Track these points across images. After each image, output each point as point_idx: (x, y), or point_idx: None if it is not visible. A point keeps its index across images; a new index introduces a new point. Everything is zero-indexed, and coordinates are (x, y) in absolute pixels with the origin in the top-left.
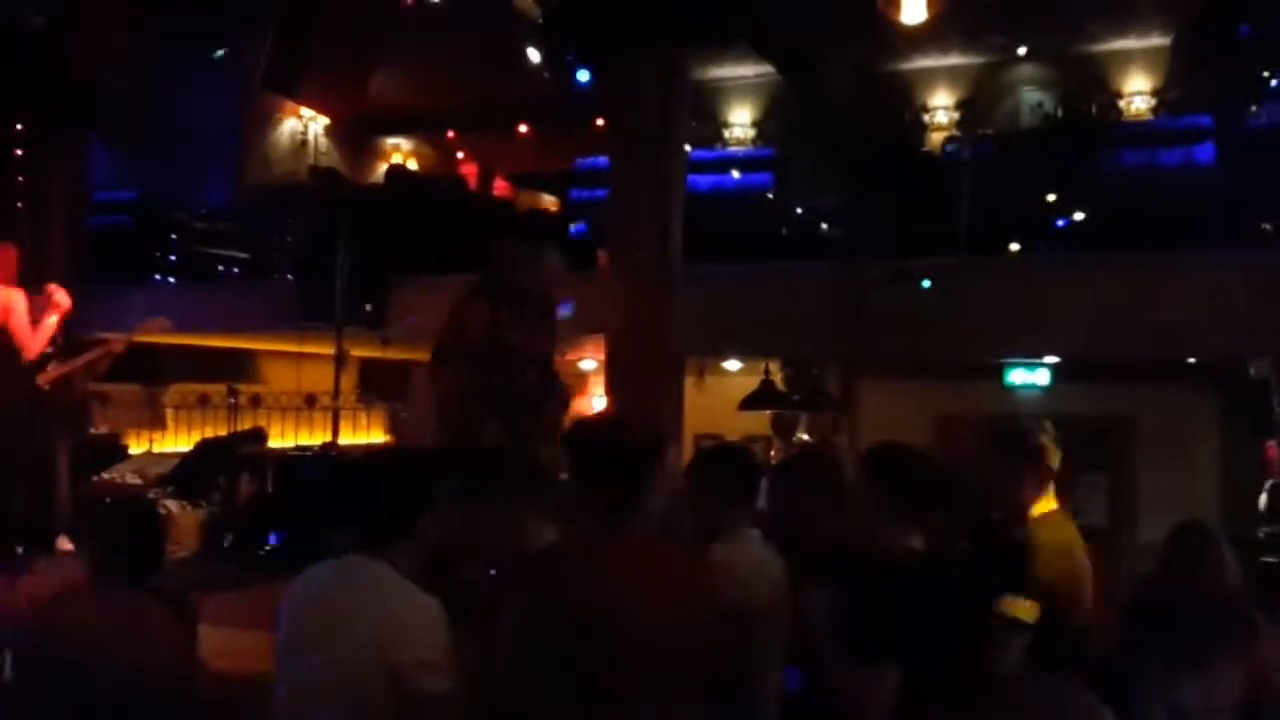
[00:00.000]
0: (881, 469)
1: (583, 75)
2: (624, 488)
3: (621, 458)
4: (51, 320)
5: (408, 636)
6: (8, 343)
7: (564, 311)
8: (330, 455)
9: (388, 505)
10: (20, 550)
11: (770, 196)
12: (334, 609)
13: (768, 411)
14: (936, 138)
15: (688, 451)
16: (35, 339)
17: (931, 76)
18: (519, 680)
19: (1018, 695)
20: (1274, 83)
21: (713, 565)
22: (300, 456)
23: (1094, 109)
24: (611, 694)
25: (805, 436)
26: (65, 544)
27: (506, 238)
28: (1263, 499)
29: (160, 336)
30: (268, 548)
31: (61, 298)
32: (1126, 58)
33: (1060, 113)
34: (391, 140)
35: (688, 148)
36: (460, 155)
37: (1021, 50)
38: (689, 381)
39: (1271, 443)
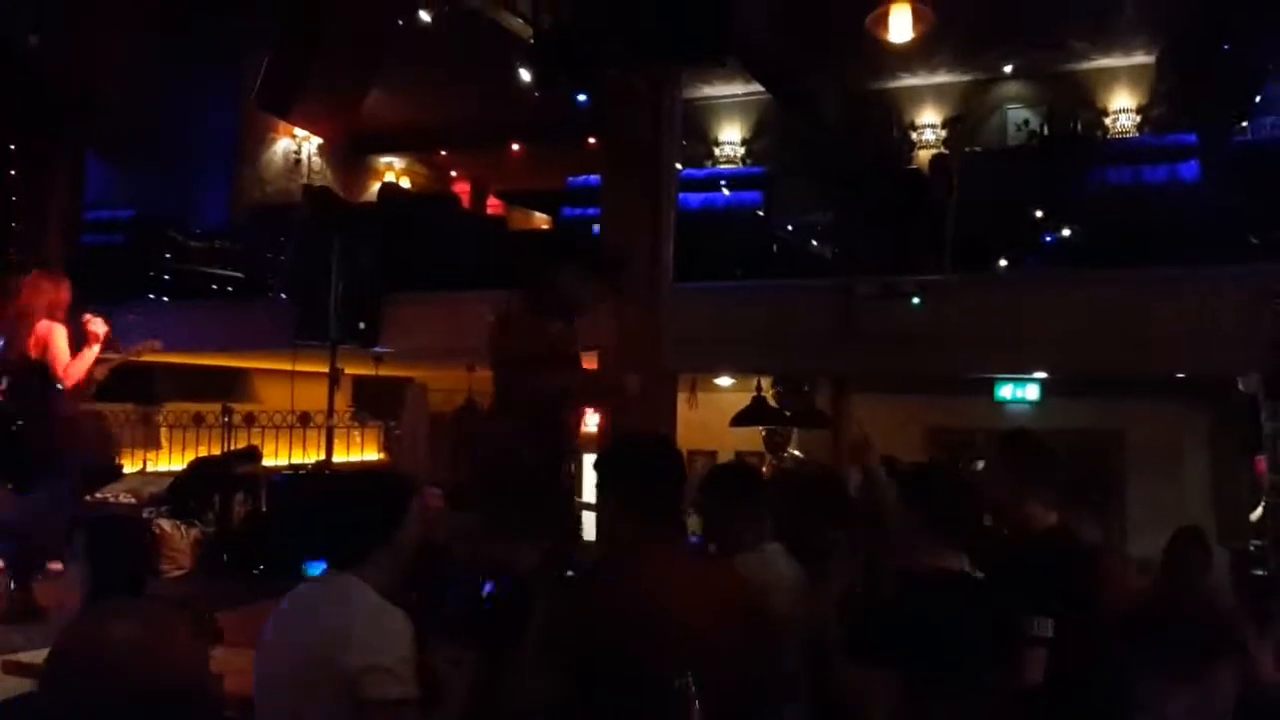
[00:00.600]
0: (919, 491)
1: (578, 95)
2: (669, 499)
3: (670, 471)
4: (91, 351)
5: (359, 644)
6: (47, 375)
7: None
8: (307, 475)
9: (349, 523)
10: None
11: (760, 214)
12: (294, 622)
13: (760, 427)
14: (924, 155)
15: None
16: (73, 369)
17: (918, 94)
18: (558, 683)
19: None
20: (1257, 100)
21: (743, 575)
22: (283, 478)
23: (1079, 126)
24: (655, 697)
25: (796, 452)
26: (55, 565)
27: (552, 259)
28: (1256, 513)
29: (153, 356)
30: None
31: (97, 326)
32: (1111, 75)
33: (1046, 130)
34: (385, 159)
35: (679, 165)
36: (453, 174)
37: (1008, 68)
38: (681, 398)
39: (1261, 457)
